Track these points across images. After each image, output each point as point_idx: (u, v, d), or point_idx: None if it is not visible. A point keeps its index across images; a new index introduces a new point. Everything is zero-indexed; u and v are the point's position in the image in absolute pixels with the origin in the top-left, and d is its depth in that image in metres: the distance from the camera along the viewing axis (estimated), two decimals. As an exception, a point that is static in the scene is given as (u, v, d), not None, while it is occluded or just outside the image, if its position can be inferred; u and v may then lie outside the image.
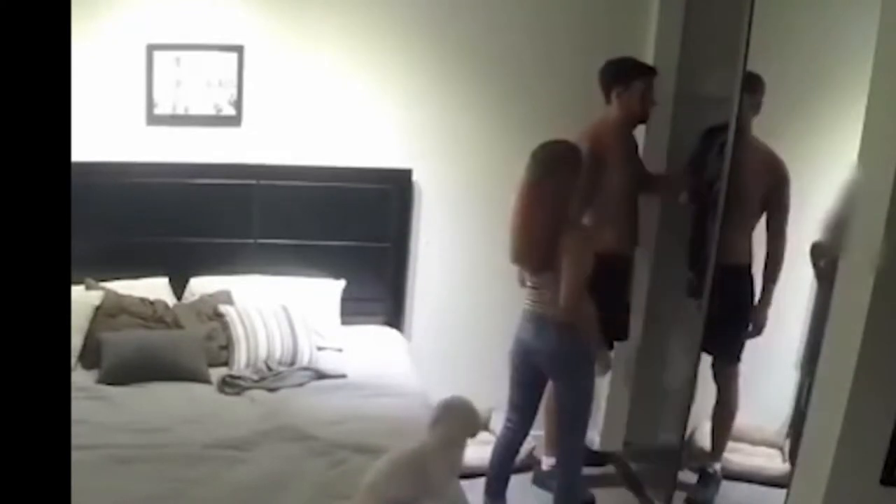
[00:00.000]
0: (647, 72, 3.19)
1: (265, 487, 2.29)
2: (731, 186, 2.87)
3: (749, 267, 3.15)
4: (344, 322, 3.47)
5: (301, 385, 3.05)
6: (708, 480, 3.30)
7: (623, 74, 3.17)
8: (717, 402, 3.29)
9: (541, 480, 3.39)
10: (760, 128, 3.08)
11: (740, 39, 2.83)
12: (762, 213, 3.14)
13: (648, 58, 3.53)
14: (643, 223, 3.36)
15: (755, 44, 2.82)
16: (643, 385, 3.65)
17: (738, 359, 3.20)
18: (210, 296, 3.34)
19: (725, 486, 3.32)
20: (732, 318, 3.12)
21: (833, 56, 3.03)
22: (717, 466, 3.33)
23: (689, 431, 3.33)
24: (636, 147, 3.34)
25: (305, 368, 3.13)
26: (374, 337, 3.52)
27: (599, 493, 3.34)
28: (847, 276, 2.05)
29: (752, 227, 3.14)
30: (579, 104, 3.58)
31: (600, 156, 3.09)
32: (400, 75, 3.52)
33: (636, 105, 3.18)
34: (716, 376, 3.25)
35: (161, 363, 2.99)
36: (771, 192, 3.10)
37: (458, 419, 2.39)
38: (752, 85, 2.88)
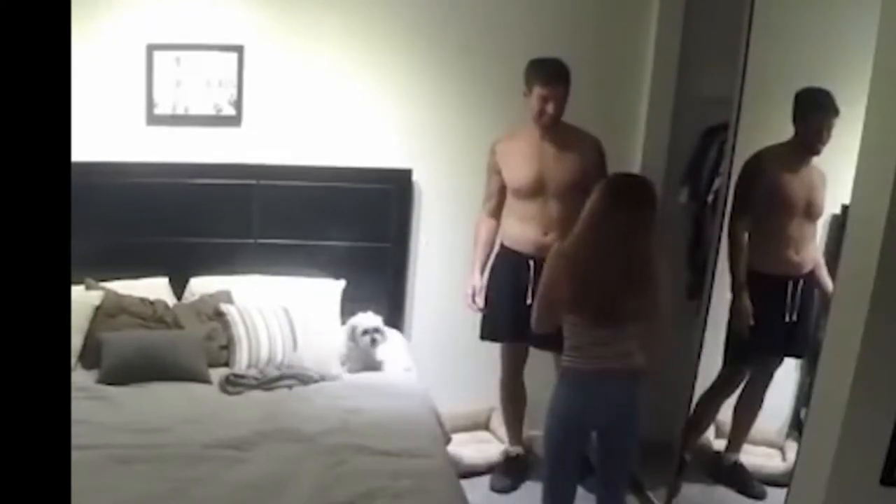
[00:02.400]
0: (547, 78, 3.03)
1: (265, 487, 2.29)
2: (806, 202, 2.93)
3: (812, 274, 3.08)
4: (344, 322, 3.46)
5: (301, 385, 3.05)
6: (738, 470, 3.28)
7: (528, 76, 3.09)
8: (749, 396, 3.25)
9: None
10: (761, 128, 3.08)
11: (740, 39, 2.84)
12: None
13: (648, 58, 3.53)
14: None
15: (755, 44, 2.82)
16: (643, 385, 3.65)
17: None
18: (210, 296, 3.34)
19: (725, 485, 3.32)
20: (809, 322, 3.07)
21: (833, 56, 3.02)
22: (738, 457, 3.30)
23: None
24: (573, 152, 3.14)
25: (305, 369, 3.13)
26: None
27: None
28: (847, 275, 2.05)
29: (814, 236, 3.08)
30: (579, 104, 3.58)
31: (504, 152, 3.20)
32: (400, 75, 3.52)
33: (533, 107, 3.07)
34: (760, 372, 3.22)
35: (161, 363, 2.99)
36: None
37: None
38: None
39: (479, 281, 3.32)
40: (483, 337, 3.35)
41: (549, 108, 3.05)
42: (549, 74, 3.04)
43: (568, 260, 2.46)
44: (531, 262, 3.14)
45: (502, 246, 3.30)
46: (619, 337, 2.48)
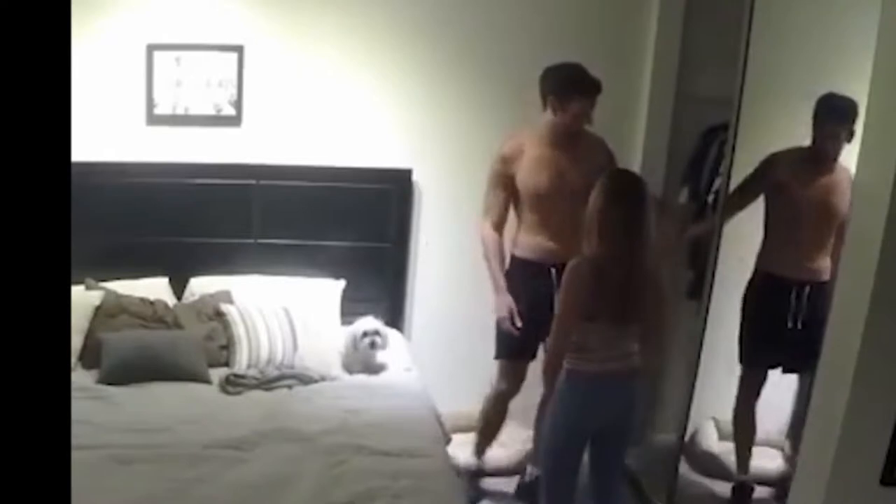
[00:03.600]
0: (589, 91, 2.93)
1: (265, 487, 2.29)
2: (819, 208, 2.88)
3: (826, 283, 2.99)
4: (344, 322, 3.46)
5: (301, 385, 3.05)
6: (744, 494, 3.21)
7: (561, 88, 2.95)
8: (742, 404, 3.20)
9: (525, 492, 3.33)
10: (761, 128, 3.08)
11: (740, 39, 2.84)
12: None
13: (648, 58, 3.53)
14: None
15: (755, 44, 2.82)
16: (642, 385, 3.65)
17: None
18: (210, 296, 3.34)
19: (725, 486, 3.31)
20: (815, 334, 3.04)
21: (833, 56, 3.02)
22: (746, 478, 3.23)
23: (689, 432, 3.33)
24: (585, 155, 3.05)
25: (306, 369, 3.13)
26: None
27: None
28: (847, 275, 2.05)
29: (832, 245, 3.00)
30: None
31: (518, 160, 3.04)
32: (400, 75, 3.52)
33: (568, 121, 2.97)
34: (752, 377, 3.16)
35: (161, 363, 2.99)
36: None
37: None
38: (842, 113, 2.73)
39: (509, 297, 3.07)
40: (499, 356, 3.17)
41: (587, 120, 2.96)
42: (587, 85, 2.93)
43: (589, 269, 2.42)
44: (552, 271, 2.97)
45: (515, 258, 3.15)
46: (623, 337, 2.48)
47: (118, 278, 3.32)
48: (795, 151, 3.02)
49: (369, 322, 3.25)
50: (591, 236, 2.45)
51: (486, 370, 3.15)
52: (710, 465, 3.46)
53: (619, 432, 2.57)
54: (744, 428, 3.23)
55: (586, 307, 2.43)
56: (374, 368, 3.23)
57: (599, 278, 2.40)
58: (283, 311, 3.27)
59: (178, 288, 3.43)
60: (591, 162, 3.03)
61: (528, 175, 3.04)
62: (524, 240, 3.11)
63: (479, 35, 3.49)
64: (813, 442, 2.15)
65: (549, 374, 2.54)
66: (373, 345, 3.21)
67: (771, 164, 3.00)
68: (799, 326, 3.00)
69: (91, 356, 3.02)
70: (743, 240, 3.14)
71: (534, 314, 3.01)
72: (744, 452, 3.25)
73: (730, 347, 3.21)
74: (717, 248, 3.04)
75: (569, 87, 2.94)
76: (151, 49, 3.36)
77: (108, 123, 3.38)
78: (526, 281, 3.08)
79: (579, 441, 2.58)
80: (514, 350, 3.13)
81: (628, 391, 2.52)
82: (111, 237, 3.34)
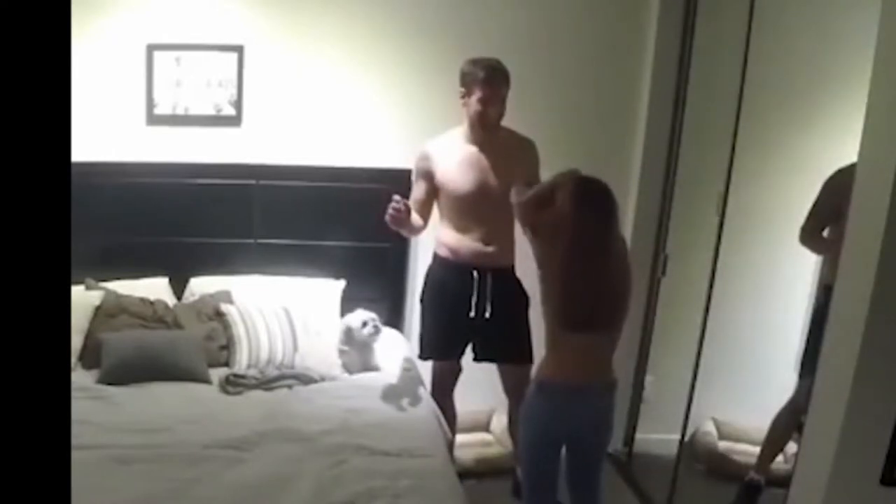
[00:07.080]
0: (492, 82, 2.86)
1: (265, 487, 2.29)
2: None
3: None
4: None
5: (301, 385, 3.05)
6: (753, 491, 3.16)
7: (464, 79, 2.91)
8: (789, 412, 3.11)
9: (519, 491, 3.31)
10: (761, 128, 3.08)
11: (740, 39, 2.84)
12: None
13: (648, 58, 3.53)
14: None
15: (755, 44, 2.83)
16: (642, 385, 3.66)
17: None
18: (210, 296, 3.34)
19: (725, 486, 3.31)
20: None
21: (833, 55, 3.03)
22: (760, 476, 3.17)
23: (688, 432, 3.33)
24: (509, 154, 2.97)
25: (306, 369, 3.13)
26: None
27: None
28: (847, 276, 2.05)
29: None
30: (578, 104, 3.59)
31: (437, 158, 2.97)
32: (400, 75, 3.52)
33: (472, 113, 2.90)
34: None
35: (161, 363, 2.99)
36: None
37: None
38: None
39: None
40: (423, 356, 3.17)
41: (492, 111, 2.87)
42: (492, 76, 2.86)
43: (560, 274, 2.33)
44: (474, 273, 2.96)
45: (438, 257, 3.09)
46: (595, 346, 2.40)
47: (118, 278, 3.33)
48: None
49: (361, 314, 3.22)
50: (560, 244, 2.34)
51: (485, 370, 3.15)
52: (710, 464, 3.46)
53: (592, 442, 2.50)
54: (785, 429, 3.15)
55: (555, 307, 2.35)
56: (371, 366, 3.22)
57: (573, 283, 2.31)
58: (283, 311, 3.27)
59: (178, 288, 3.43)
60: (515, 162, 2.95)
61: (446, 173, 2.97)
62: (445, 238, 3.04)
63: (478, 35, 3.48)
64: (813, 442, 2.15)
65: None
66: (376, 329, 3.18)
67: (838, 178, 2.80)
68: None
69: (91, 356, 3.02)
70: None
71: (453, 315, 3.00)
72: (771, 454, 3.17)
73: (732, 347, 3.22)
74: (717, 250, 3.04)
75: (472, 76, 2.88)
76: (151, 49, 3.36)
77: (108, 123, 3.38)
78: (446, 281, 3.04)
79: (553, 446, 2.50)
80: (436, 351, 3.12)
81: (600, 401, 2.45)
82: (111, 237, 3.35)
